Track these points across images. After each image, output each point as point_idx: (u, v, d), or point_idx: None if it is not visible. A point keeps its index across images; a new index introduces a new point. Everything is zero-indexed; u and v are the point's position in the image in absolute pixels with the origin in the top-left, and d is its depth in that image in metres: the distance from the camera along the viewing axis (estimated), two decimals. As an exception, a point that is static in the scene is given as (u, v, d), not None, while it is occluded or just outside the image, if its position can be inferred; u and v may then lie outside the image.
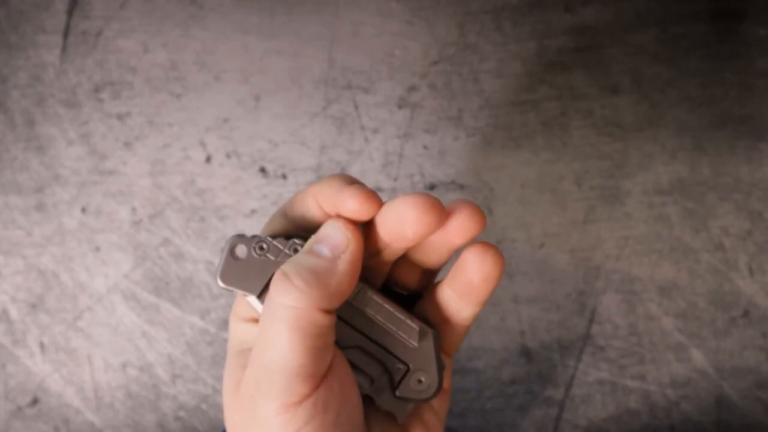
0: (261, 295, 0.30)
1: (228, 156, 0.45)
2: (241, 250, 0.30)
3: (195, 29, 0.45)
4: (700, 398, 0.44)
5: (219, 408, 0.44)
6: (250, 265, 0.30)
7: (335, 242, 0.29)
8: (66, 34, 0.45)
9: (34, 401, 0.45)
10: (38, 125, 0.45)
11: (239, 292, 0.31)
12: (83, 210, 0.45)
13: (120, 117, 0.45)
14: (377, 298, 0.31)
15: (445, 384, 0.33)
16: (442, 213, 0.28)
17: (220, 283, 0.30)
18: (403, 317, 0.31)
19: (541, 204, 0.44)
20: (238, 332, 0.32)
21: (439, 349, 0.31)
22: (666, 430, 0.44)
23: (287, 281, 0.28)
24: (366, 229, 0.30)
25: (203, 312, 0.44)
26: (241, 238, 0.30)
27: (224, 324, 0.44)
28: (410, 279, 0.33)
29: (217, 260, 0.44)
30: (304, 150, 0.44)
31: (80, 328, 0.45)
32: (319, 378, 0.28)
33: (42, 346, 0.45)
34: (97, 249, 0.45)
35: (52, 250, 0.45)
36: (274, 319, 0.28)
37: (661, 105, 0.44)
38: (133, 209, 0.45)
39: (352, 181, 0.30)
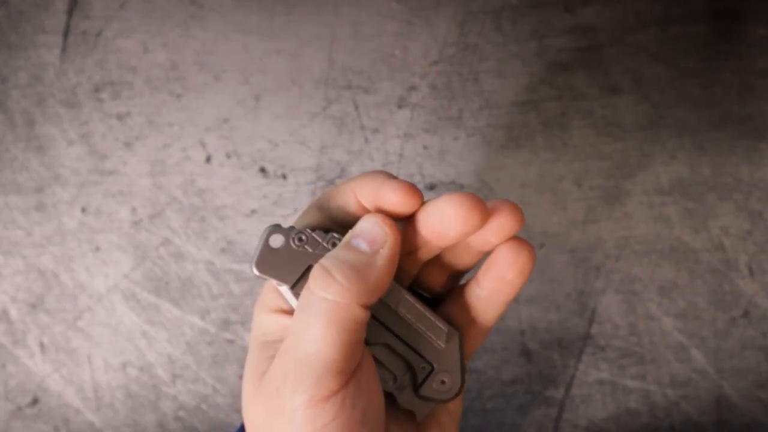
0: (294, 286, 0.30)
1: (228, 156, 0.45)
2: (278, 240, 0.30)
3: (195, 29, 0.45)
4: (700, 398, 0.44)
5: (219, 408, 0.44)
6: (286, 256, 0.30)
7: (373, 237, 0.29)
8: (66, 34, 0.45)
9: (34, 401, 0.45)
10: (38, 125, 0.45)
11: (273, 282, 0.30)
12: (83, 210, 0.45)
13: (120, 117, 0.45)
14: (409, 297, 0.31)
15: None
16: (486, 212, 0.29)
17: (255, 271, 0.30)
18: (432, 318, 0.31)
19: (541, 204, 0.44)
20: (264, 323, 0.32)
21: (463, 351, 0.31)
22: (666, 430, 0.44)
23: (328, 276, 0.28)
24: (405, 226, 0.30)
25: (203, 312, 0.44)
26: (278, 227, 0.30)
27: (224, 324, 0.44)
28: (436, 281, 0.33)
29: (218, 260, 0.44)
30: (304, 150, 0.44)
31: (80, 328, 0.45)
32: (349, 374, 0.28)
33: (42, 346, 0.45)
34: (97, 249, 0.45)
35: (52, 250, 0.45)
36: (312, 312, 0.28)
37: (661, 105, 0.44)
38: (133, 209, 0.45)
39: (393, 177, 0.30)
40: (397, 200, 0.29)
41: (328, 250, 0.30)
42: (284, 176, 0.44)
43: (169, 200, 0.45)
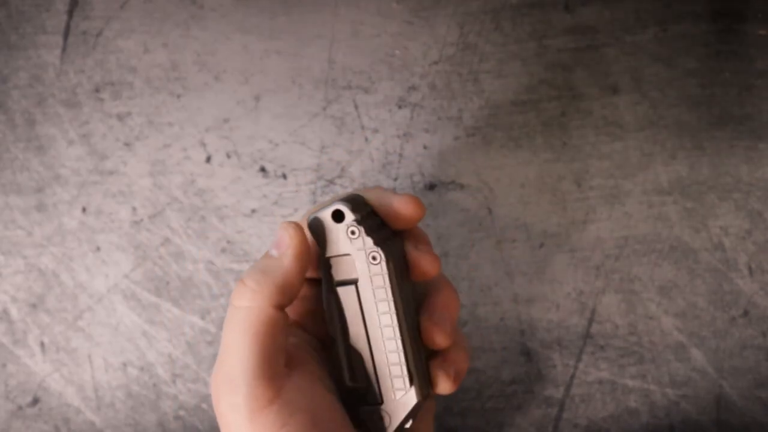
0: (325, 257, 0.32)
1: (228, 156, 0.45)
2: (340, 218, 0.32)
3: (195, 29, 0.45)
4: (699, 398, 0.44)
5: (219, 408, 0.45)
6: (336, 232, 0.32)
7: (279, 240, 0.31)
8: (66, 34, 0.45)
9: (35, 401, 0.45)
10: (38, 125, 0.45)
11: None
12: (83, 210, 0.45)
13: (120, 117, 0.45)
14: (404, 339, 0.32)
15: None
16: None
17: (306, 229, 0.32)
18: (405, 371, 0.32)
19: (541, 204, 0.44)
20: None
21: (412, 415, 0.33)
22: (665, 429, 0.44)
23: (242, 284, 0.30)
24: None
25: (203, 312, 0.44)
26: (347, 205, 0.31)
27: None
28: None
29: (218, 260, 0.44)
30: (304, 150, 0.44)
31: (80, 327, 0.45)
32: (279, 379, 0.29)
33: (42, 345, 0.45)
34: (98, 249, 0.45)
35: (53, 250, 0.45)
36: (231, 324, 0.29)
37: (660, 105, 0.44)
38: (133, 209, 0.45)
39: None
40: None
41: (367, 261, 0.32)
42: (284, 176, 0.45)
43: (169, 200, 0.45)
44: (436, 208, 0.44)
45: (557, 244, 0.44)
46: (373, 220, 0.32)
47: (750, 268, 0.44)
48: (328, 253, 0.32)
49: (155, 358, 0.44)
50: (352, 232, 0.31)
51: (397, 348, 0.32)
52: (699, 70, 0.44)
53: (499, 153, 0.44)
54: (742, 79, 0.44)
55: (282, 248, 0.31)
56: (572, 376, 0.44)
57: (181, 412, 0.45)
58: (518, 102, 0.44)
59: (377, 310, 0.32)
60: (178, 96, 0.45)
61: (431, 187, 0.44)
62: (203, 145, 0.45)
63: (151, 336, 0.45)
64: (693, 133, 0.44)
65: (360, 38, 0.44)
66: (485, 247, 0.44)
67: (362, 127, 0.44)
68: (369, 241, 0.31)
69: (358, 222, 0.31)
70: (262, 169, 0.45)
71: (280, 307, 0.30)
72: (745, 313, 0.44)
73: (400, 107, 0.44)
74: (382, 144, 0.44)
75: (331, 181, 0.44)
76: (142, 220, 0.45)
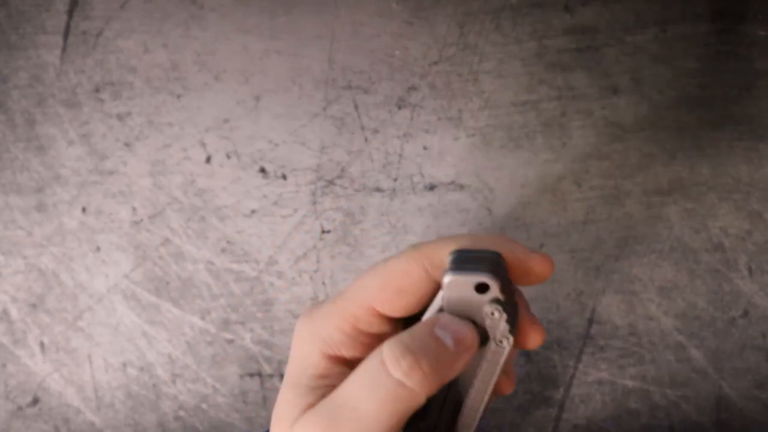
0: (446, 310, 0.30)
1: (228, 156, 0.45)
2: (484, 290, 0.29)
3: (195, 29, 0.45)
4: (699, 398, 0.44)
5: (219, 407, 0.44)
6: (473, 301, 0.29)
7: (462, 337, 0.29)
8: (66, 34, 0.45)
9: (35, 401, 0.45)
10: (38, 125, 0.45)
11: (442, 292, 0.29)
12: (83, 210, 0.45)
13: (120, 117, 0.45)
14: (486, 394, 0.31)
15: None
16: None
17: (446, 278, 0.29)
18: (477, 421, 0.31)
19: (541, 204, 0.44)
20: (314, 364, 0.31)
21: None
22: (665, 429, 0.44)
23: (414, 360, 0.27)
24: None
25: (203, 312, 0.44)
26: (497, 283, 0.29)
27: (224, 324, 0.44)
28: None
29: (218, 260, 0.44)
30: (304, 150, 0.45)
31: (80, 328, 0.45)
32: None
33: (42, 345, 0.45)
34: (98, 249, 0.45)
35: (53, 250, 0.45)
36: (382, 394, 0.27)
37: (660, 105, 0.44)
38: (133, 209, 0.45)
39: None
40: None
41: (493, 340, 0.29)
42: (284, 176, 0.45)
43: (169, 200, 0.45)
44: (436, 208, 0.44)
45: (557, 244, 0.44)
46: (509, 292, 0.30)
47: (750, 269, 0.44)
48: (449, 306, 0.29)
49: (155, 359, 0.45)
50: (492, 313, 0.29)
51: (474, 418, 0.31)
52: (699, 70, 0.44)
53: (499, 153, 0.44)
54: (742, 79, 0.44)
55: (461, 347, 0.28)
56: (572, 377, 0.44)
57: (181, 413, 0.45)
58: (518, 102, 0.44)
59: (475, 376, 0.30)
60: (178, 96, 0.45)
61: (431, 187, 0.44)
62: (203, 145, 0.45)
63: (151, 336, 0.45)
64: (693, 133, 0.44)
65: (360, 38, 0.44)
66: (485, 248, 0.44)
67: (362, 128, 0.44)
68: (504, 327, 0.29)
69: (502, 306, 0.29)
70: (262, 170, 0.45)
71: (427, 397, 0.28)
72: (745, 314, 0.44)
73: (400, 107, 0.44)
74: (382, 144, 0.44)
75: (331, 182, 0.44)
76: (142, 220, 0.45)
